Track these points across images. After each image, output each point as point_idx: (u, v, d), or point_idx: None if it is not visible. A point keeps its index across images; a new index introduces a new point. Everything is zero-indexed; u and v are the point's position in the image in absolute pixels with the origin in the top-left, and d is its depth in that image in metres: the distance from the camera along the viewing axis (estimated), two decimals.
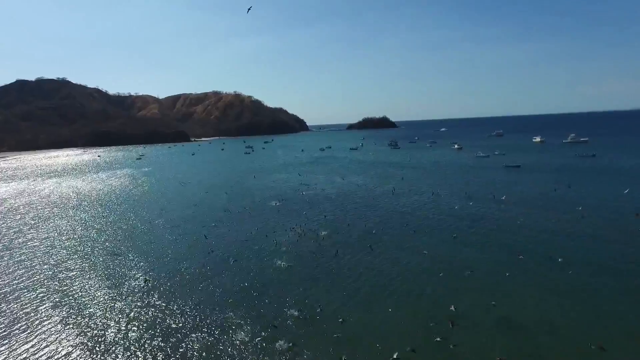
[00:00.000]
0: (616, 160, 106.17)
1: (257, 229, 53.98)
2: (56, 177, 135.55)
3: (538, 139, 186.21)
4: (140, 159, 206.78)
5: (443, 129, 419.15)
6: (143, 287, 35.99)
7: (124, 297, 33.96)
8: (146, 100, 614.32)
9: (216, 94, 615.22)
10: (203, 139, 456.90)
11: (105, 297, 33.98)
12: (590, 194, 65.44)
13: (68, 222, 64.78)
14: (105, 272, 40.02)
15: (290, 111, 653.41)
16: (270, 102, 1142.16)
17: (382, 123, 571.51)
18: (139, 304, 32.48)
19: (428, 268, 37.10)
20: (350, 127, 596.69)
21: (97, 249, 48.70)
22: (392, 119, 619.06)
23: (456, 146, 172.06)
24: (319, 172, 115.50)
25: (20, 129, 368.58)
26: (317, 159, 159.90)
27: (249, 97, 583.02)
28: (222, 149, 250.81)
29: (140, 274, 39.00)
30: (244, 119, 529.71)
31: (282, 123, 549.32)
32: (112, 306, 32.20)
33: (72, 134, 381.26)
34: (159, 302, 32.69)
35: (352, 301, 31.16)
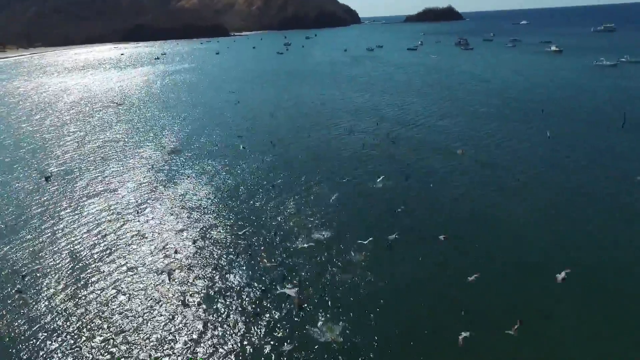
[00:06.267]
0: None
1: None
2: (57, 76, 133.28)
3: None
4: (159, 58, 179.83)
5: (524, 22, 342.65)
6: None
7: None
8: None
9: None
10: (244, 33, 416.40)
11: None
12: None
13: None
14: None
15: (340, 0, 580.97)
16: None
17: (447, 14, 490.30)
18: None
19: None
20: (408, 19, 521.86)
21: None
22: (459, 9, 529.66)
23: (553, 47, 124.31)
24: (354, 86, 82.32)
25: (53, 23, 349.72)
26: (359, 62, 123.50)
27: None
28: (254, 47, 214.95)
29: None
30: (288, 11, 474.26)
31: (331, 15, 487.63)
32: None
33: (105, 29, 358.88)
34: None
35: None
